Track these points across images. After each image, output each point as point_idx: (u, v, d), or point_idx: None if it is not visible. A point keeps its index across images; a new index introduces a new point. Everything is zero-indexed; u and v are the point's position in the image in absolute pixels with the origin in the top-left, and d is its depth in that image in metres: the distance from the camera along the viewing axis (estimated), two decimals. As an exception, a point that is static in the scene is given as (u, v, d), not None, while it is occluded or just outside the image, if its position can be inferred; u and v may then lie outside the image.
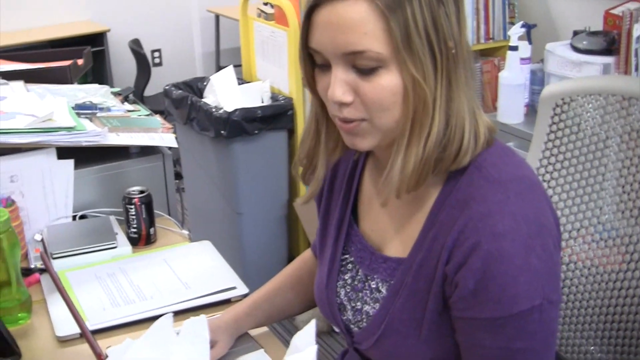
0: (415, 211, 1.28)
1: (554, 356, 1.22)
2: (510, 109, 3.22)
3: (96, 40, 5.61)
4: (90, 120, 2.16)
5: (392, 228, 1.33)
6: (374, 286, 1.33)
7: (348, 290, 1.39)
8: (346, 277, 1.40)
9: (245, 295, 1.73)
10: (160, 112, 2.81)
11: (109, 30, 5.70)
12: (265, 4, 3.53)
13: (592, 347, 1.73)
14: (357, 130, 1.19)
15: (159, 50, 6.34)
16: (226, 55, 6.29)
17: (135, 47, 5.07)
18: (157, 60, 6.32)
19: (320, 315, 2.89)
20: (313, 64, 1.23)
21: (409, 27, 1.11)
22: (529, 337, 1.16)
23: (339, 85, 1.15)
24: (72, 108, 2.16)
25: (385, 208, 1.33)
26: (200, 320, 1.42)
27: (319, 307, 1.49)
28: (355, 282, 1.38)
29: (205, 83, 3.62)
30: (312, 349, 1.29)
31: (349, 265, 1.40)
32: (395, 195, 1.19)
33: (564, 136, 1.69)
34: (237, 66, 6.04)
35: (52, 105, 2.11)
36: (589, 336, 1.73)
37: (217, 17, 6.07)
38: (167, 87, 3.59)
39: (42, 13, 5.81)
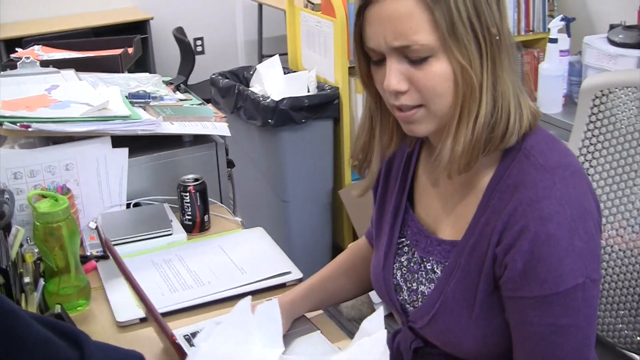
0: (468, 197, 1.34)
1: (595, 332, 1.28)
2: (549, 99, 3.32)
3: (139, 28, 5.67)
4: (144, 109, 2.19)
5: (446, 213, 1.40)
6: (429, 267, 1.41)
7: (404, 272, 1.46)
8: (402, 260, 1.47)
9: (300, 280, 1.77)
10: (206, 101, 2.82)
11: (152, 18, 5.75)
12: (312, -6, 3.56)
13: (624, 324, 1.82)
14: (414, 118, 1.26)
15: (201, 39, 6.40)
16: (269, 43, 6.32)
17: (180, 35, 5.12)
18: (199, 49, 6.37)
19: (365, 301, 2.92)
20: (367, 62, 1.30)
21: (453, 17, 1.18)
22: (574, 314, 1.24)
23: (393, 75, 1.23)
24: (126, 97, 2.20)
25: (440, 194, 1.40)
26: (273, 304, 1.47)
27: (375, 289, 1.55)
28: (411, 264, 1.44)
29: (251, 72, 3.66)
30: (382, 333, 1.34)
31: (405, 248, 1.47)
32: (447, 176, 1.27)
33: (602, 126, 1.76)
34: (281, 54, 6.08)
35: (106, 94, 2.15)
36: (624, 315, 1.81)
37: (260, 5, 6.10)
38: (213, 76, 3.64)
39: (85, -1, 5.89)
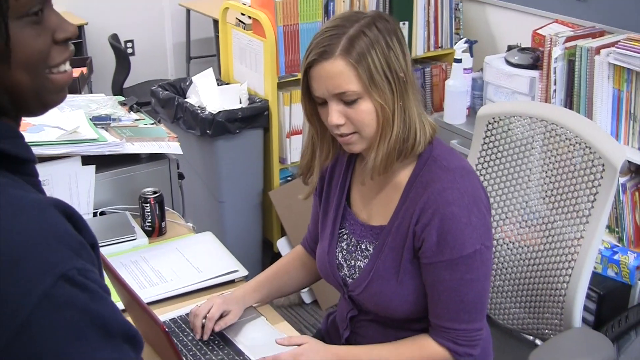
0: (392, 193, 1.82)
1: (489, 285, 1.83)
2: (455, 111, 3.76)
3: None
4: (106, 129, 2.52)
5: (376, 206, 1.86)
6: (363, 247, 1.87)
7: (344, 253, 1.91)
8: (342, 245, 1.92)
9: (245, 277, 2.17)
10: (144, 105, 3.05)
11: (86, 24, 5.90)
12: (244, 14, 3.87)
13: (515, 309, 2.27)
14: (351, 141, 1.73)
15: (131, 41, 6.56)
16: (196, 46, 6.61)
17: (115, 42, 5.32)
18: (129, 51, 6.50)
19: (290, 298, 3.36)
20: (311, 104, 1.77)
21: (371, 71, 1.65)
22: (475, 271, 1.71)
23: (334, 113, 1.69)
24: (90, 119, 2.53)
25: (371, 193, 1.87)
26: None
27: (320, 271, 2.00)
28: (350, 247, 1.90)
29: (187, 83, 3.94)
30: None
31: (345, 236, 1.92)
32: (371, 177, 1.74)
33: (494, 147, 2.25)
34: (208, 56, 6.35)
35: (74, 118, 2.48)
36: (515, 301, 2.27)
37: (188, 10, 6.39)
38: (153, 88, 3.87)
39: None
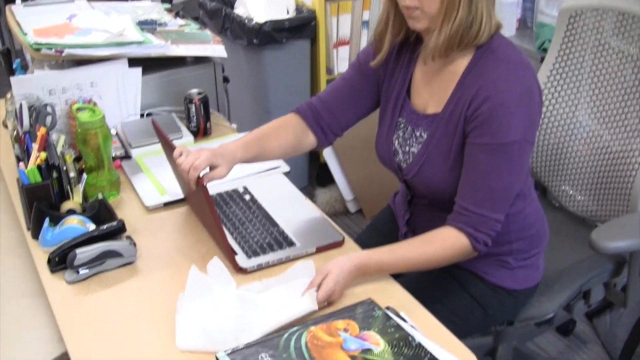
0: (448, 82, 1.89)
1: (519, 181, 1.84)
2: (505, 23, 3.57)
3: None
4: (152, 34, 2.57)
5: (433, 96, 1.93)
6: (418, 134, 1.95)
7: (400, 141, 2.00)
8: (399, 132, 2.00)
9: (287, 173, 2.26)
10: (194, 19, 3.10)
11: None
12: None
13: (582, 196, 2.42)
14: (413, 15, 1.79)
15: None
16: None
17: None
18: None
19: (338, 198, 3.41)
20: None
21: None
22: (509, 160, 1.77)
23: None
24: (137, 24, 2.58)
25: (429, 83, 1.94)
26: (309, 264, 1.79)
27: (378, 156, 2.08)
28: (406, 134, 1.98)
29: None
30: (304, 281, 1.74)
31: (402, 125, 2.00)
32: (431, 58, 1.83)
33: (574, 40, 2.38)
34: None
35: (120, 22, 2.53)
36: (584, 188, 2.42)
37: None
38: (201, 0, 3.96)
39: None
